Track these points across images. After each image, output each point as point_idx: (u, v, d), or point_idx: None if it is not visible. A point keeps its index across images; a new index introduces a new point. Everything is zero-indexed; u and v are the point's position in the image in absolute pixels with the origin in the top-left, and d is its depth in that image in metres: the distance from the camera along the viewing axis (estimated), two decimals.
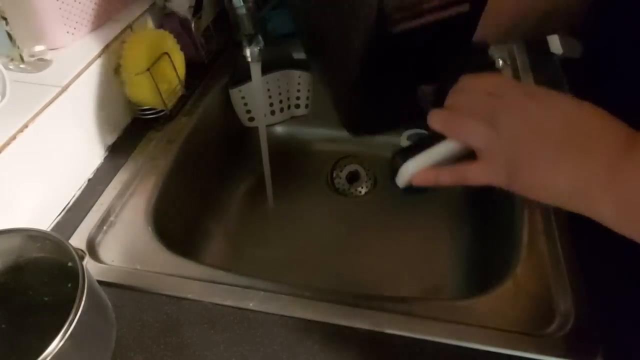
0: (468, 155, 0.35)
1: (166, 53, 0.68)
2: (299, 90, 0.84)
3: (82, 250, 0.42)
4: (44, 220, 0.56)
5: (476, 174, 0.34)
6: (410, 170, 0.36)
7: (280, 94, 0.83)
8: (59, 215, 0.58)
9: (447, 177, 0.36)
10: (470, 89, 0.34)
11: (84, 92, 0.60)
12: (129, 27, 0.69)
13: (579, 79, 0.55)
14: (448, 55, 0.39)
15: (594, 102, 0.33)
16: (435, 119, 0.35)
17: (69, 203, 0.59)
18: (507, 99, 0.32)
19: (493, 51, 0.80)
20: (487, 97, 0.33)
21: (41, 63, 0.60)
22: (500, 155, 0.32)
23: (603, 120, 0.30)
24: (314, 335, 0.46)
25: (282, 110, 0.85)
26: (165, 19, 0.76)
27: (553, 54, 0.83)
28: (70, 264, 0.40)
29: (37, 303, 0.45)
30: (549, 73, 0.77)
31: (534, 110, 0.31)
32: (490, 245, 0.68)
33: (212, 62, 0.84)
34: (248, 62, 0.72)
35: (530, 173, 0.32)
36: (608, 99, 0.34)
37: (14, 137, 0.51)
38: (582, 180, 0.30)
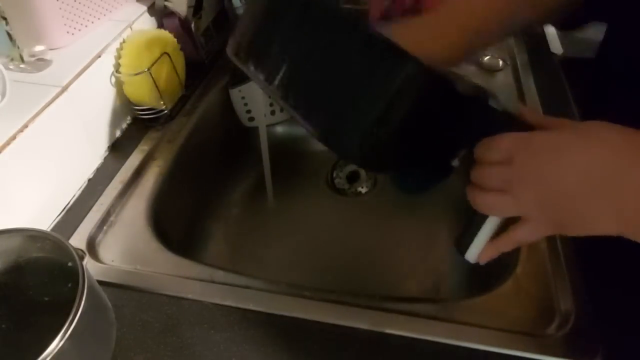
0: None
1: (166, 53, 0.68)
2: None
3: (82, 250, 0.42)
4: (44, 220, 0.56)
5: (526, 235, 0.35)
6: (473, 256, 0.38)
7: None
8: (59, 215, 0.58)
9: (505, 247, 0.37)
10: (483, 161, 0.35)
11: (84, 92, 0.60)
12: (129, 27, 0.69)
13: (586, 79, 0.55)
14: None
15: (601, 102, 0.33)
16: (469, 198, 0.36)
17: (69, 203, 0.59)
18: (517, 166, 0.33)
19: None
20: (500, 168, 0.34)
21: (41, 63, 0.60)
22: (537, 218, 0.34)
23: (613, 153, 0.30)
24: (314, 335, 0.46)
25: (282, 110, 0.84)
26: (165, 19, 0.76)
27: (553, 54, 0.83)
28: (70, 264, 0.40)
29: (37, 303, 0.45)
30: (549, 73, 0.77)
31: (545, 172, 0.32)
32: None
33: (212, 62, 0.84)
34: None
35: (573, 227, 0.33)
36: (617, 100, 0.34)
37: (14, 137, 0.51)
38: (624, 220, 0.30)
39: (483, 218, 0.37)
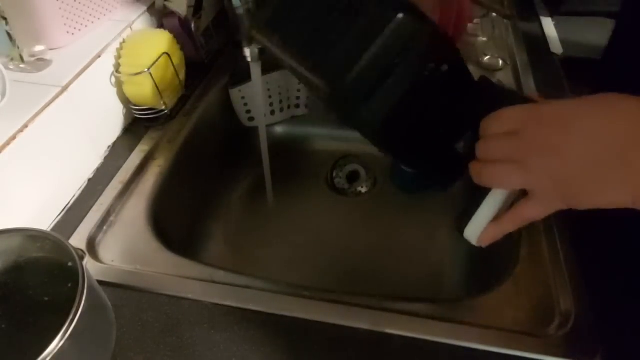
0: (521, 192, 0.34)
1: (166, 53, 0.68)
2: (298, 90, 0.84)
3: (82, 250, 0.42)
4: (44, 220, 0.57)
5: (533, 211, 0.34)
6: (474, 235, 0.36)
7: (280, 93, 0.83)
8: (59, 215, 0.58)
9: (510, 226, 0.35)
10: (490, 134, 0.34)
11: (84, 92, 0.60)
12: (129, 27, 0.69)
13: (589, 80, 0.54)
14: (469, 103, 0.38)
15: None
16: (473, 173, 0.34)
17: (69, 203, 0.59)
18: (527, 137, 0.31)
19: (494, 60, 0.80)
20: (508, 139, 0.32)
21: (41, 63, 0.60)
22: (546, 189, 0.32)
23: (629, 122, 0.29)
24: (314, 335, 0.46)
25: (282, 110, 0.85)
26: (165, 19, 0.76)
27: (553, 53, 0.83)
28: (70, 264, 0.40)
29: (37, 303, 0.45)
30: (549, 73, 0.77)
31: (555, 141, 0.30)
32: (490, 245, 0.68)
33: (212, 62, 0.84)
34: (248, 62, 0.72)
35: (586, 197, 0.31)
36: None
37: (14, 137, 0.51)
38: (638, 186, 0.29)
39: (485, 192, 0.35)
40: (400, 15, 0.34)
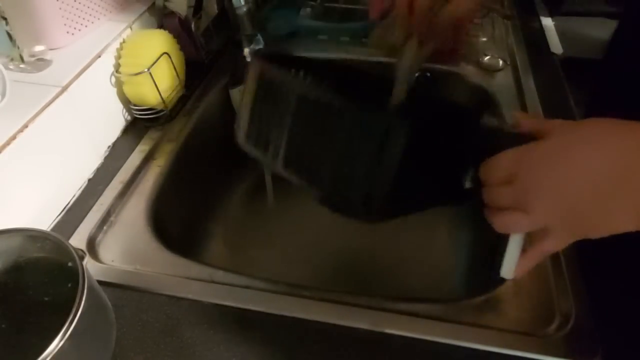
0: None
1: (166, 53, 0.68)
2: None
3: (82, 250, 0.42)
4: (44, 220, 0.56)
5: (551, 246, 0.35)
6: (509, 272, 0.38)
7: None
8: (59, 215, 0.58)
9: (535, 260, 0.37)
10: (489, 182, 0.35)
11: (84, 92, 0.60)
12: (129, 27, 0.69)
13: (589, 79, 0.55)
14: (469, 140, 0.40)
15: (610, 100, 0.33)
16: (489, 221, 0.36)
17: (69, 203, 0.59)
18: (524, 182, 0.33)
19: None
20: (508, 187, 0.34)
21: (41, 63, 0.60)
22: (556, 226, 0.33)
23: (619, 151, 0.30)
24: (314, 335, 0.46)
25: None
26: (165, 19, 0.76)
27: (553, 54, 0.83)
28: (70, 264, 0.40)
29: (37, 303, 0.45)
30: (549, 73, 0.77)
31: (550, 182, 0.32)
32: (491, 245, 0.68)
33: (212, 62, 0.84)
34: (248, 62, 0.72)
35: (592, 228, 0.32)
36: (623, 99, 0.34)
37: (14, 137, 0.51)
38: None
39: (507, 236, 0.37)
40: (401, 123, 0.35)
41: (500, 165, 0.34)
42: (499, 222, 0.35)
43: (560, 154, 0.31)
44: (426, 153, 0.37)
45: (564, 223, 0.32)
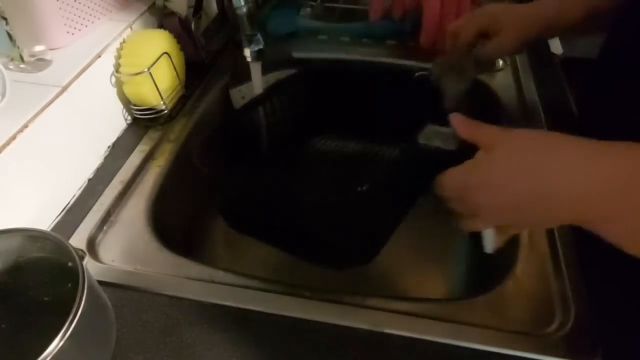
0: None
1: (166, 53, 0.68)
2: None
3: (82, 250, 0.42)
4: (44, 220, 0.57)
5: (512, 230, 0.42)
6: (492, 249, 0.43)
7: None
8: (59, 215, 0.58)
9: (505, 238, 0.42)
10: (445, 199, 0.42)
11: (84, 92, 0.60)
12: (129, 27, 0.69)
13: (589, 78, 0.55)
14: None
15: (607, 101, 0.39)
16: (453, 224, 0.43)
17: (69, 203, 0.59)
18: (470, 200, 0.39)
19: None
20: (456, 202, 0.41)
21: (41, 63, 0.60)
22: (505, 223, 0.40)
23: (527, 174, 0.36)
24: (314, 335, 0.46)
25: None
26: (165, 19, 0.76)
27: (553, 54, 0.83)
28: (70, 264, 0.40)
29: (37, 303, 0.45)
30: (549, 73, 0.77)
31: (493, 198, 0.38)
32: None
33: (212, 62, 0.84)
34: (248, 62, 0.72)
35: (539, 224, 0.43)
36: (623, 97, 0.35)
37: (14, 137, 0.51)
38: (556, 217, 0.37)
39: None
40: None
41: (448, 186, 0.41)
42: (461, 225, 0.42)
43: (499, 172, 0.37)
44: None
45: (513, 221, 0.39)
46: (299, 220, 0.51)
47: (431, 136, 0.53)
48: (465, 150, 0.42)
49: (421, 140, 0.52)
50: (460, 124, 0.42)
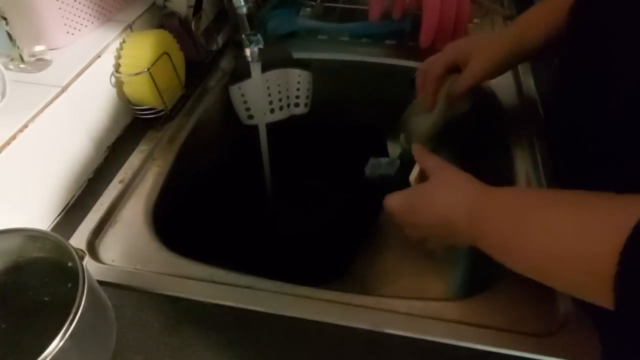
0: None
1: (166, 53, 0.68)
2: (298, 89, 0.84)
3: (82, 250, 0.42)
4: (44, 220, 0.57)
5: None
6: None
7: (280, 92, 0.83)
8: (59, 215, 0.58)
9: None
10: (397, 220, 0.53)
11: (84, 92, 0.60)
12: (129, 27, 0.69)
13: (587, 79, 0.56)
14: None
15: (607, 101, 0.42)
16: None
17: (69, 203, 0.59)
18: (410, 230, 0.52)
19: None
20: (408, 230, 0.53)
21: (41, 63, 0.60)
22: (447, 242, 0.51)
23: (444, 209, 0.47)
24: (314, 335, 0.46)
25: (281, 108, 0.84)
26: (165, 19, 0.76)
27: None
28: (70, 264, 0.40)
29: (37, 303, 0.45)
30: (549, 73, 0.77)
31: (426, 230, 0.51)
32: None
33: (212, 62, 0.84)
34: (248, 62, 0.72)
35: (456, 244, 0.50)
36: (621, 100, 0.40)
37: (14, 137, 0.51)
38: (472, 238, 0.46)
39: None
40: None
41: (392, 213, 0.52)
42: (422, 246, 0.54)
43: (424, 199, 0.50)
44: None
45: (445, 242, 0.51)
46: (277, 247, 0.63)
47: (374, 168, 0.67)
48: (402, 174, 0.55)
49: (367, 172, 0.66)
50: (418, 153, 0.55)
